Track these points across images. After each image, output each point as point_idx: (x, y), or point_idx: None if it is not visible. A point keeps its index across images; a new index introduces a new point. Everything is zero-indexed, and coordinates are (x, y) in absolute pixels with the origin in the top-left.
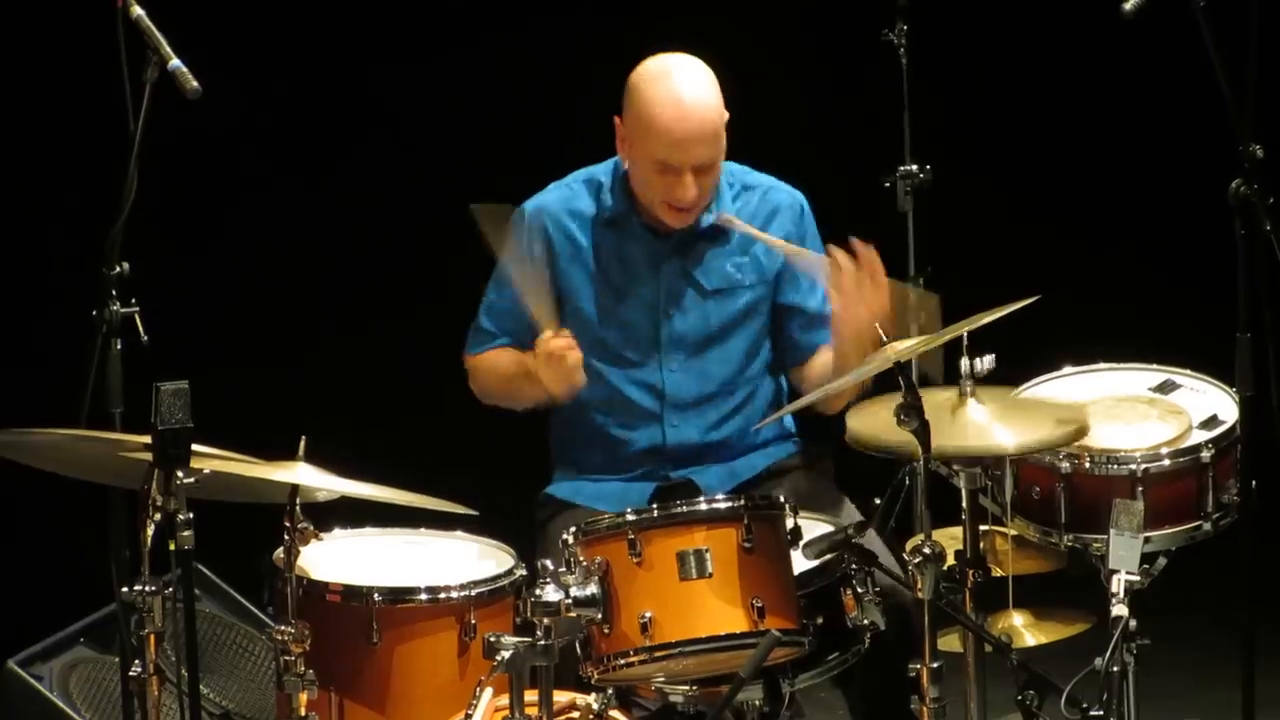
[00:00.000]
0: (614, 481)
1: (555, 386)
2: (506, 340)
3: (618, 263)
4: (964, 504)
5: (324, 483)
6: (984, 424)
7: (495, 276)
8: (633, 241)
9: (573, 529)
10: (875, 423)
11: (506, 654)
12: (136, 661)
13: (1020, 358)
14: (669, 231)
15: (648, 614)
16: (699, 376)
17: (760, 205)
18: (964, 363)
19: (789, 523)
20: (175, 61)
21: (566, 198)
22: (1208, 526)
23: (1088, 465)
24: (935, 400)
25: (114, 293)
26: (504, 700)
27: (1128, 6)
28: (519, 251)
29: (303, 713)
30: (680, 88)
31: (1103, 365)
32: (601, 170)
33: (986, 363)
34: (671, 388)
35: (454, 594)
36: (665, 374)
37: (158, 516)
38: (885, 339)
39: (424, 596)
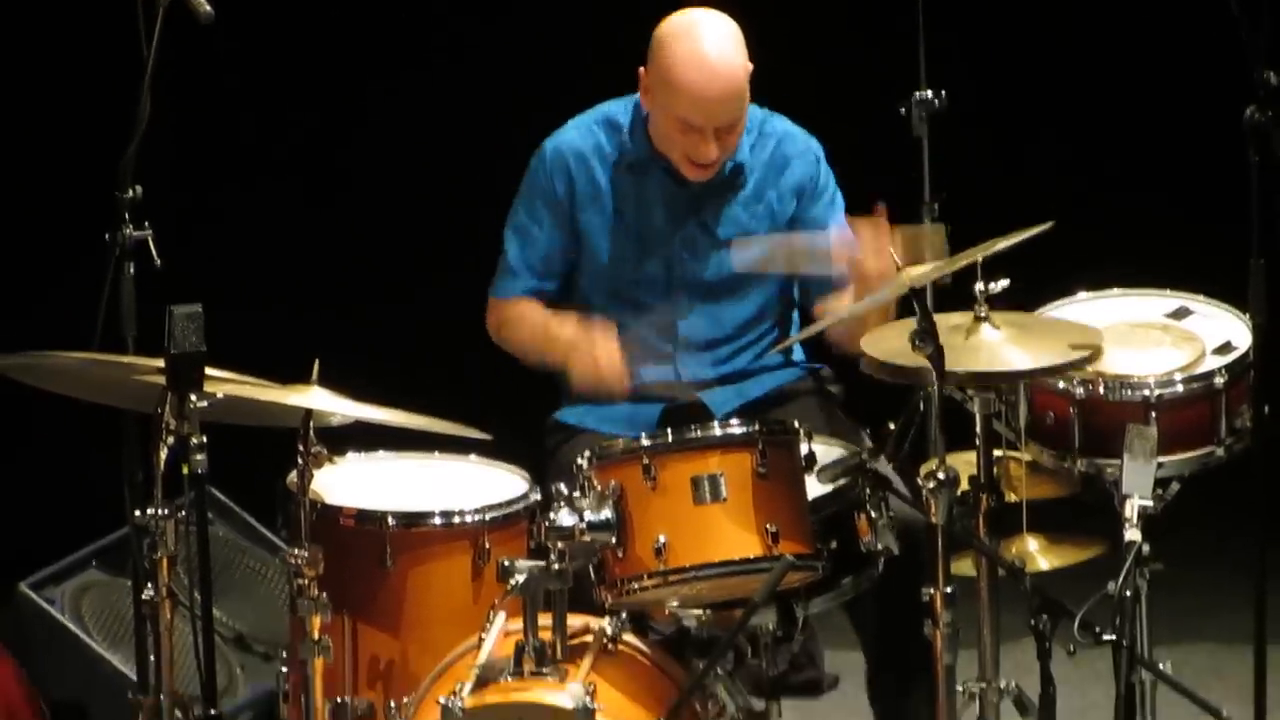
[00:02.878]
0: (622, 404)
1: (583, 369)
2: (534, 284)
3: (635, 207)
4: (978, 429)
5: (338, 406)
6: (997, 346)
7: (523, 216)
8: (651, 187)
9: (587, 453)
10: (889, 348)
11: (520, 578)
12: (149, 585)
13: (1034, 284)
14: (687, 179)
15: (662, 538)
16: (712, 321)
17: (776, 153)
18: (978, 286)
19: (803, 448)
20: None
21: (587, 138)
22: (1221, 452)
23: (1102, 391)
24: (949, 323)
25: (127, 216)
26: (517, 624)
27: None
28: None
29: (316, 636)
30: (706, 47)
31: (1116, 291)
32: (620, 110)
33: (1000, 285)
34: (685, 330)
35: (468, 518)
36: (678, 320)
37: (171, 440)
38: (900, 265)
39: (438, 521)
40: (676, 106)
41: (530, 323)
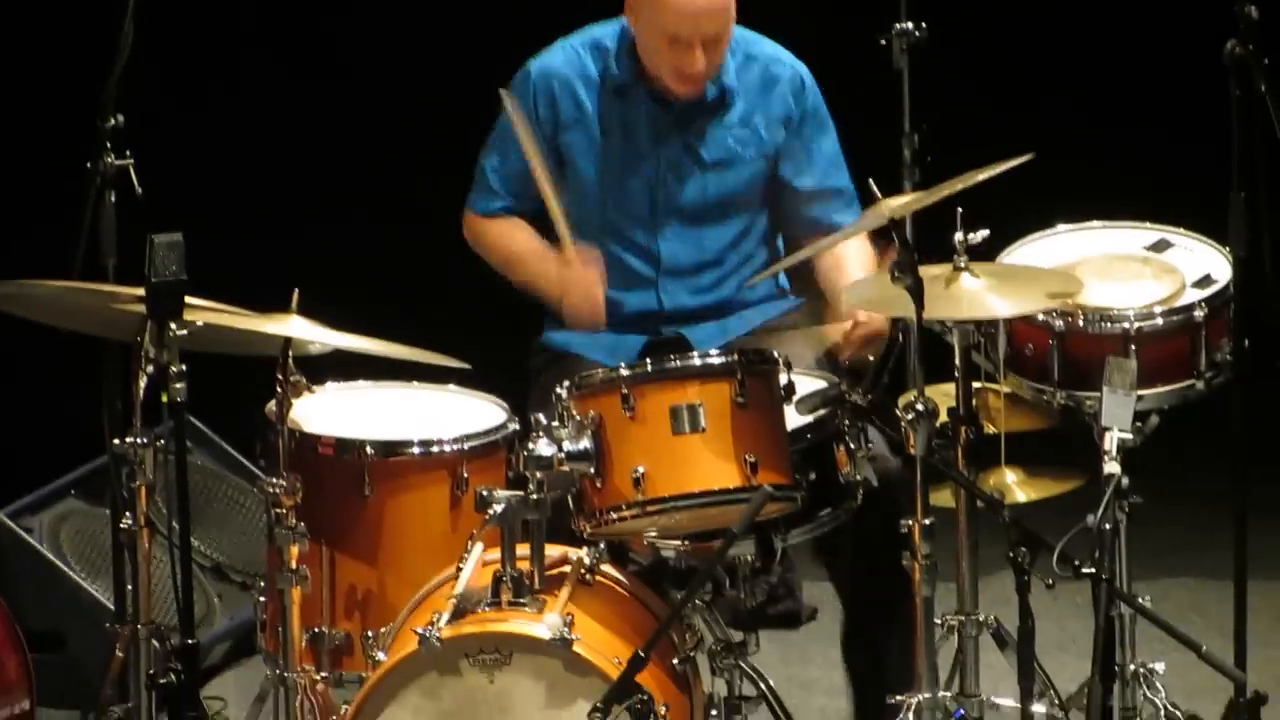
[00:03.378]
0: (607, 333)
1: (575, 310)
2: (511, 203)
3: (620, 130)
4: (957, 361)
5: (316, 335)
6: (977, 294)
7: (500, 135)
8: (637, 110)
9: (566, 383)
10: (869, 297)
11: (499, 508)
12: (127, 514)
13: (1014, 216)
14: (674, 101)
15: (640, 468)
16: (694, 246)
17: (762, 76)
18: (957, 236)
19: (782, 378)
20: None
21: (573, 61)
22: (1200, 385)
23: (1081, 323)
24: (929, 274)
25: (109, 145)
26: (495, 554)
27: None
28: (531, 131)
29: (294, 565)
30: None
31: (1096, 224)
32: (607, 34)
33: (979, 235)
34: (666, 255)
35: (446, 447)
36: (661, 242)
37: (150, 369)
38: (879, 195)
39: (416, 450)
40: (663, 19)
41: (514, 246)
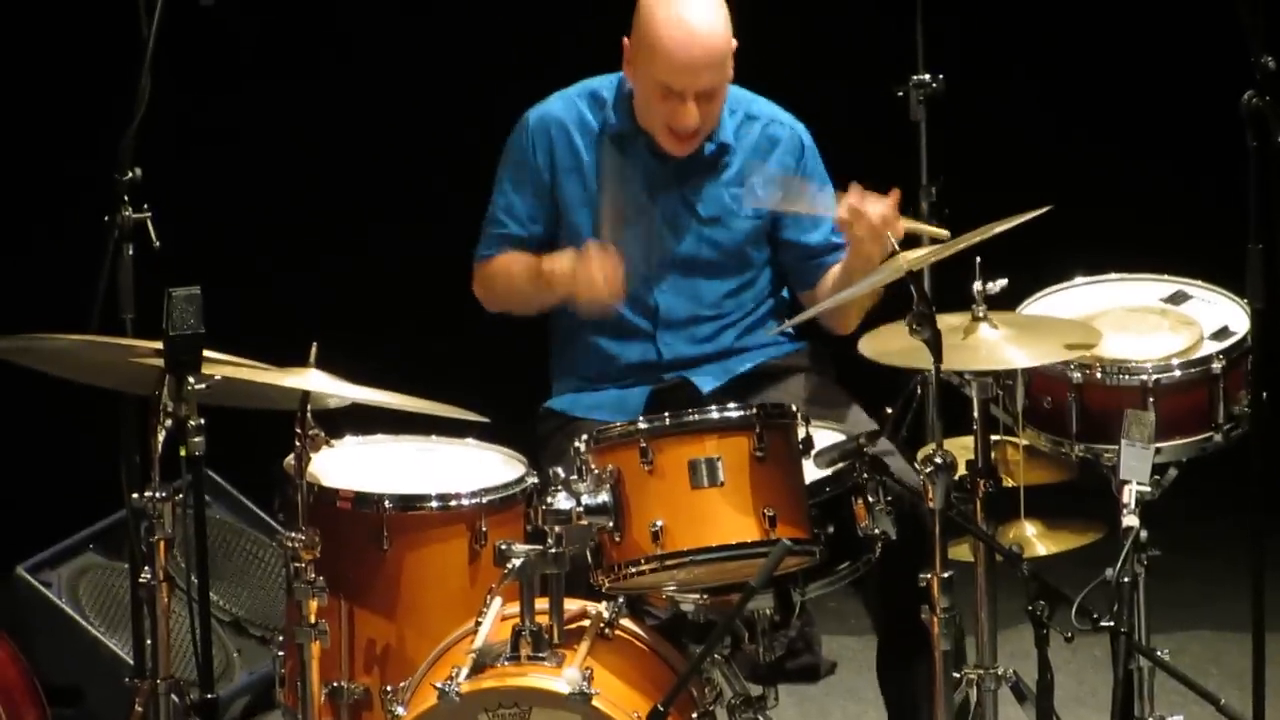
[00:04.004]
0: (609, 390)
1: (591, 288)
2: (515, 237)
3: (615, 179)
4: (975, 414)
5: (335, 389)
6: (995, 345)
7: (505, 182)
8: (633, 161)
9: (584, 436)
10: (886, 348)
11: (517, 562)
12: (146, 568)
13: (1032, 268)
14: (669, 154)
15: (659, 522)
16: (691, 298)
17: (761, 137)
18: (976, 285)
19: (801, 432)
20: None
21: (570, 110)
22: (1218, 437)
23: (1099, 375)
24: (947, 324)
25: (126, 198)
26: (514, 609)
27: None
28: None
29: (312, 620)
30: (688, 12)
31: (1114, 276)
32: (604, 85)
33: (998, 285)
34: (664, 307)
35: (465, 501)
36: (657, 294)
37: (168, 422)
38: (896, 248)
39: (435, 504)
40: (657, 70)
41: (518, 267)
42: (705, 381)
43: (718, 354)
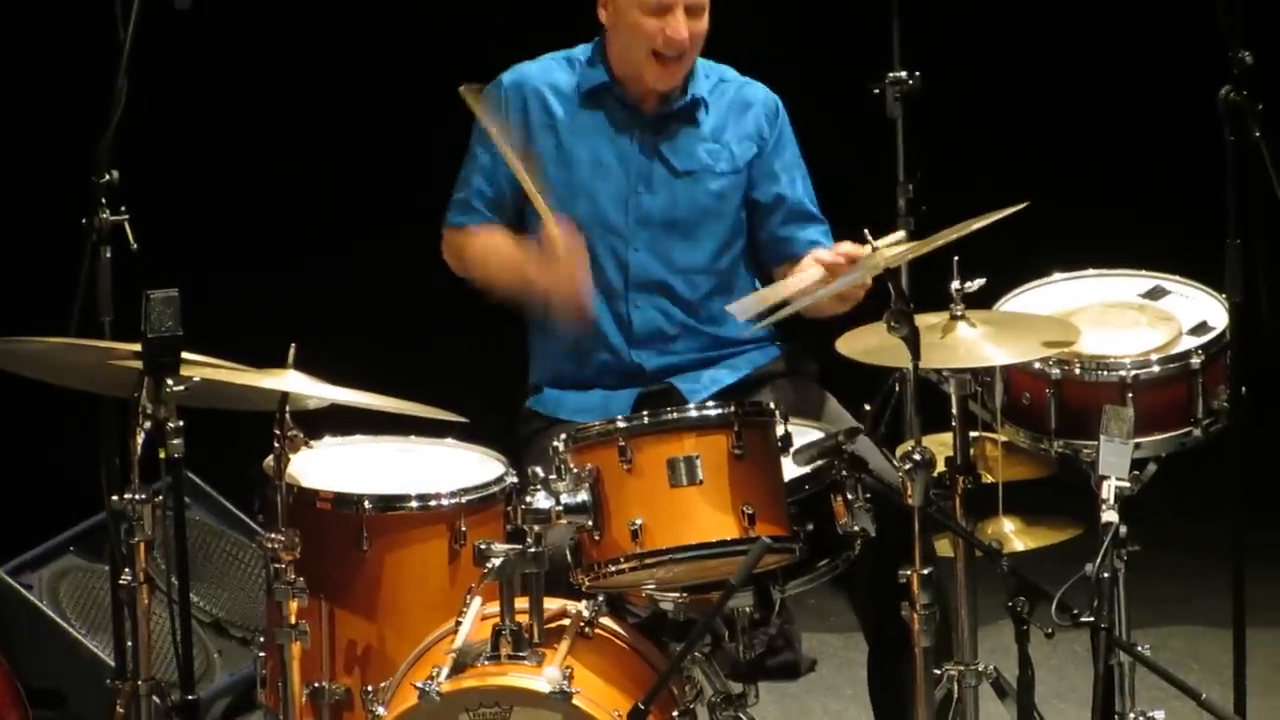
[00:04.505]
0: (595, 391)
1: (562, 308)
2: (491, 216)
3: (590, 138)
4: (954, 410)
5: (314, 390)
6: (974, 344)
7: (476, 147)
8: (607, 116)
9: (563, 436)
10: (865, 347)
11: (497, 561)
12: (126, 570)
13: (1009, 264)
14: (644, 107)
15: (638, 521)
16: (664, 260)
17: (736, 97)
18: (954, 284)
19: (779, 429)
20: None
21: (545, 69)
22: (1198, 433)
23: (1078, 372)
24: (925, 323)
25: (104, 200)
26: (494, 608)
27: None
28: (501, 127)
29: (293, 620)
30: None
31: (1092, 272)
32: (579, 50)
33: (976, 284)
34: (636, 265)
35: (444, 501)
36: (630, 252)
37: (147, 424)
38: (874, 245)
39: (414, 504)
40: None
41: (496, 249)
42: (693, 393)
43: (696, 363)
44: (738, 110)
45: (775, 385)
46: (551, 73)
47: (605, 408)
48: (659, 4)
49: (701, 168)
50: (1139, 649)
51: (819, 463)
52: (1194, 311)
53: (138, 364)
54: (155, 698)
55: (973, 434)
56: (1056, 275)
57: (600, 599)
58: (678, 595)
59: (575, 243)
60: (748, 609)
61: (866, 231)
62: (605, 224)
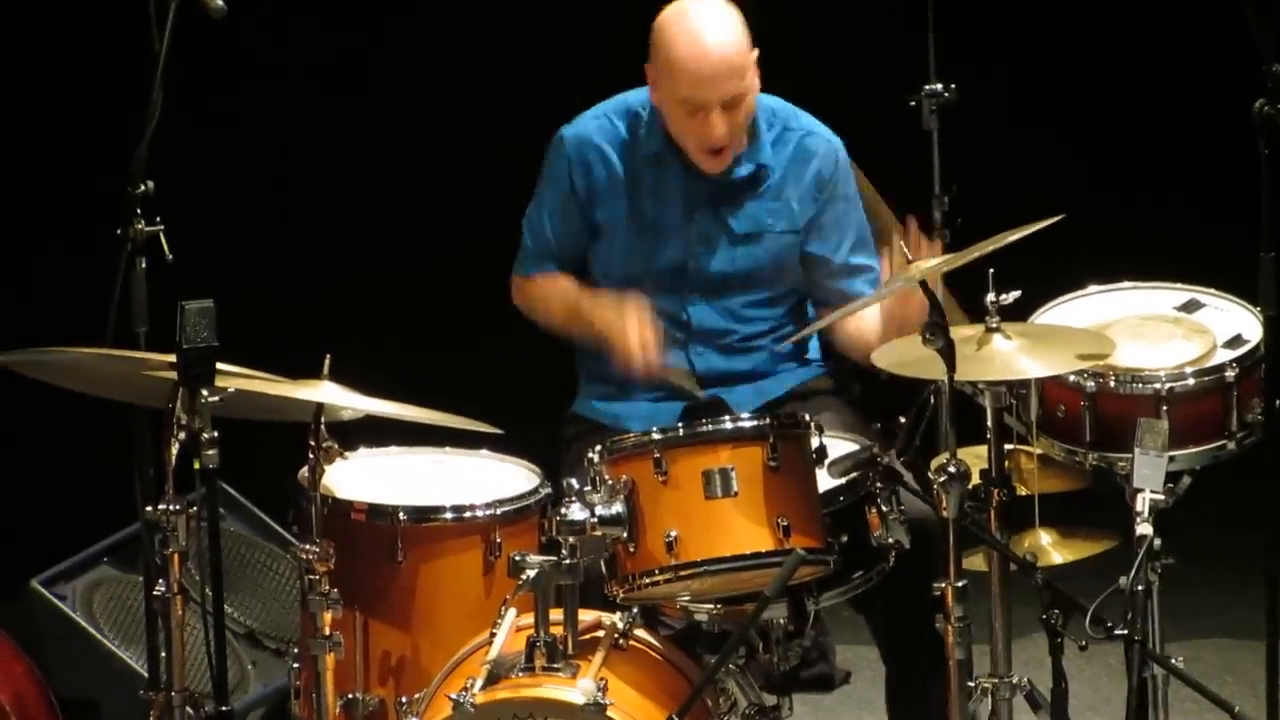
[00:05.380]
0: (642, 402)
1: (628, 355)
2: (554, 267)
3: (653, 199)
4: (989, 423)
5: (349, 401)
6: (1009, 356)
7: (541, 196)
8: (669, 180)
9: (598, 447)
10: (899, 358)
11: (532, 573)
12: (160, 581)
13: (1044, 277)
14: (705, 173)
15: (673, 533)
16: (723, 312)
17: (796, 148)
18: (989, 297)
19: (814, 441)
20: None
21: (606, 129)
22: (1232, 445)
23: (1113, 384)
24: (961, 335)
25: (139, 211)
26: (528, 620)
27: None
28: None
29: (327, 632)
30: (700, 25)
31: (1127, 284)
32: (638, 101)
33: (1011, 296)
34: (696, 320)
35: (479, 513)
36: (690, 309)
37: (182, 435)
38: (909, 258)
39: (449, 515)
40: (678, 87)
41: (563, 297)
42: (739, 405)
43: (751, 373)
44: (799, 164)
45: (817, 400)
46: (612, 129)
47: (651, 418)
48: (692, 106)
49: (760, 230)
50: (1173, 662)
51: (854, 475)
52: (1229, 324)
53: (173, 375)
54: (189, 709)
55: (1008, 446)
56: (1091, 288)
57: (635, 611)
58: (712, 607)
59: (643, 311)
60: (782, 621)
61: (902, 244)
62: (662, 283)
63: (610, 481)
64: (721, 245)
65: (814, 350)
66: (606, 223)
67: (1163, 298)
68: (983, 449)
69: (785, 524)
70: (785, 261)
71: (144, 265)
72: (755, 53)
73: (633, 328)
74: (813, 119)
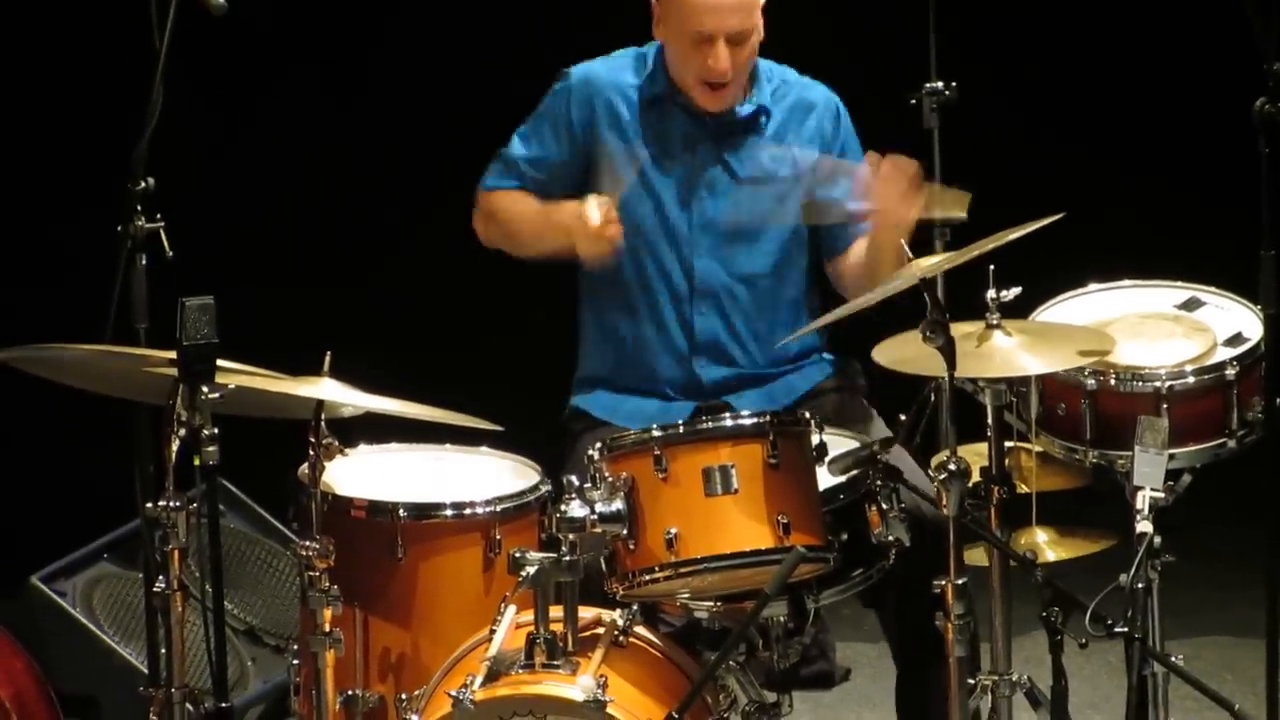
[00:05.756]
0: (653, 400)
1: (589, 249)
2: (526, 187)
3: (655, 142)
4: (989, 420)
5: (349, 398)
6: (1010, 353)
7: (531, 125)
8: (671, 121)
9: (598, 444)
10: (899, 355)
11: (531, 570)
12: (160, 577)
13: (1045, 274)
14: (707, 116)
15: (673, 530)
16: (726, 266)
17: (797, 100)
18: (990, 294)
19: (814, 439)
20: None
21: (613, 69)
22: (1232, 444)
23: (1113, 382)
24: (961, 331)
25: (139, 208)
26: (528, 617)
27: None
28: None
29: (327, 628)
30: None
31: (1127, 283)
32: (647, 51)
33: (1011, 293)
34: (700, 271)
35: (479, 510)
36: (695, 259)
37: (182, 432)
38: (910, 256)
39: (449, 512)
40: (685, 17)
41: (523, 205)
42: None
43: (754, 378)
44: (800, 113)
45: (822, 398)
46: (620, 73)
47: (659, 418)
48: (698, 36)
49: (764, 173)
50: (1173, 659)
51: (854, 472)
52: (1229, 323)
53: (173, 371)
54: (189, 705)
55: (1008, 444)
56: (1092, 286)
57: (634, 608)
58: (712, 604)
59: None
60: (782, 618)
61: (903, 242)
62: (668, 228)
63: (610, 478)
64: (726, 188)
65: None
66: (612, 154)
67: (1163, 296)
68: (983, 446)
69: (785, 521)
70: (789, 208)
71: (144, 262)
72: None
73: (593, 213)
74: (811, 79)
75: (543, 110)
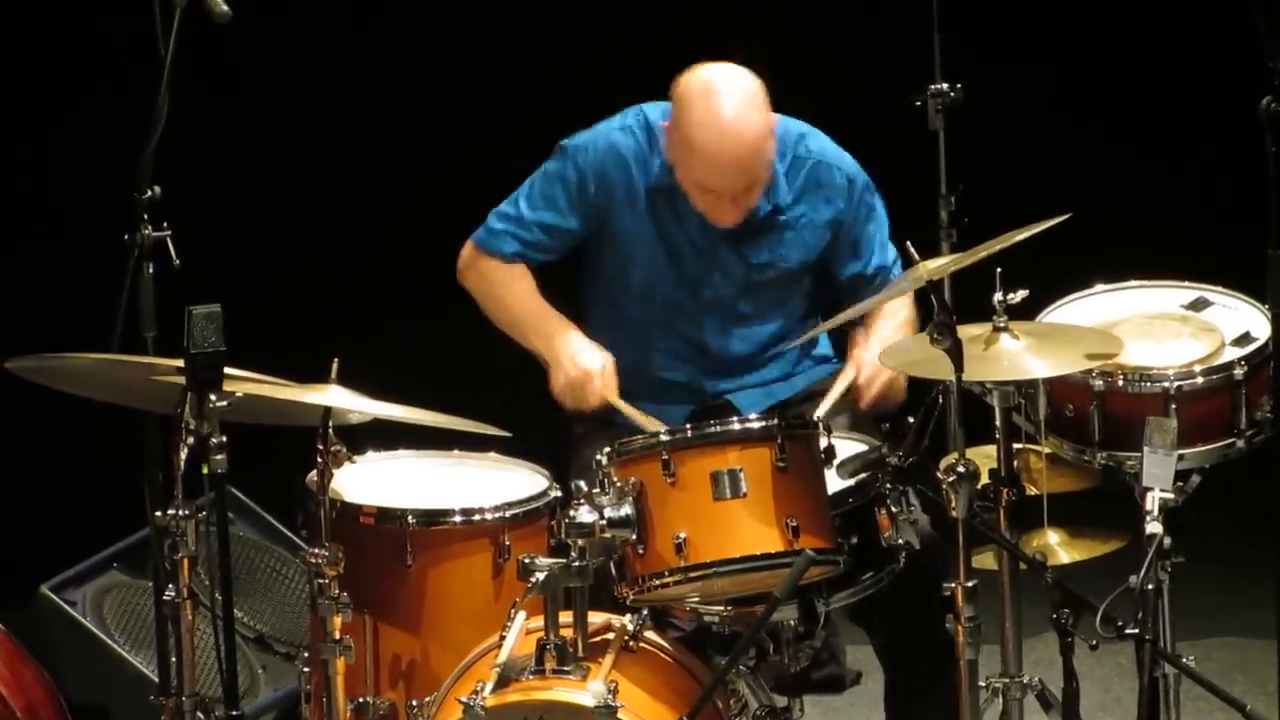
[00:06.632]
0: (649, 404)
1: (566, 395)
2: (527, 253)
3: (671, 220)
4: (998, 422)
5: (357, 405)
6: (1017, 355)
7: (539, 192)
8: (682, 203)
9: (606, 449)
10: (906, 357)
11: (541, 575)
12: (170, 586)
13: (1052, 276)
14: None
15: (682, 534)
16: (738, 338)
17: (809, 177)
18: (996, 296)
19: (822, 442)
20: None
21: (628, 142)
22: (1241, 444)
23: (1121, 383)
24: (968, 334)
25: (146, 216)
26: (538, 622)
27: None
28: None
29: (337, 636)
30: (723, 111)
31: (1134, 283)
32: (660, 114)
33: (1019, 295)
34: (712, 342)
35: (488, 516)
36: (708, 334)
37: (190, 440)
38: (915, 257)
39: (458, 518)
40: (693, 170)
41: (523, 301)
42: (748, 407)
43: (761, 383)
44: (812, 194)
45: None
46: (633, 144)
47: (659, 419)
48: (705, 189)
49: (776, 260)
50: (1184, 661)
51: (863, 475)
52: (1237, 322)
53: (181, 380)
54: (199, 713)
55: (1016, 446)
56: (1099, 287)
57: (644, 612)
58: (722, 608)
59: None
60: (792, 622)
61: (909, 244)
62: (673, 305)
63: (619, 483)
64: (737, 273)
65: (824, 346)
66: (621, 234)
67: (1170, 296)
68: (991, 448)
69: (794, 525)
70: (799, 286)
71: (151, 270)
72: (775, 121)
73: (572, 367)
74: (821, 140)
75: (549, 175)
